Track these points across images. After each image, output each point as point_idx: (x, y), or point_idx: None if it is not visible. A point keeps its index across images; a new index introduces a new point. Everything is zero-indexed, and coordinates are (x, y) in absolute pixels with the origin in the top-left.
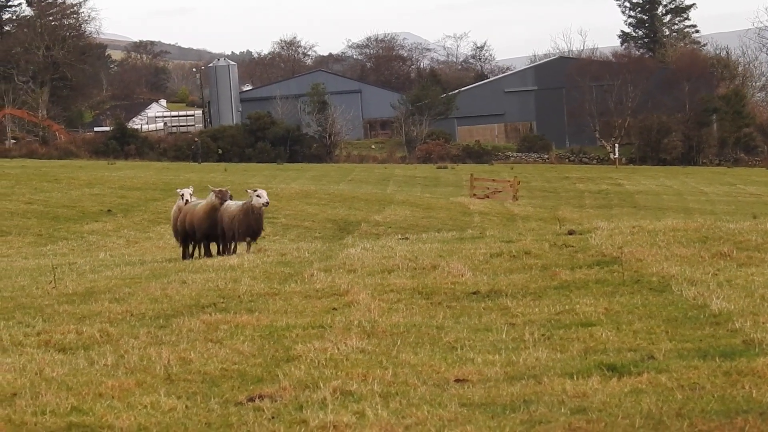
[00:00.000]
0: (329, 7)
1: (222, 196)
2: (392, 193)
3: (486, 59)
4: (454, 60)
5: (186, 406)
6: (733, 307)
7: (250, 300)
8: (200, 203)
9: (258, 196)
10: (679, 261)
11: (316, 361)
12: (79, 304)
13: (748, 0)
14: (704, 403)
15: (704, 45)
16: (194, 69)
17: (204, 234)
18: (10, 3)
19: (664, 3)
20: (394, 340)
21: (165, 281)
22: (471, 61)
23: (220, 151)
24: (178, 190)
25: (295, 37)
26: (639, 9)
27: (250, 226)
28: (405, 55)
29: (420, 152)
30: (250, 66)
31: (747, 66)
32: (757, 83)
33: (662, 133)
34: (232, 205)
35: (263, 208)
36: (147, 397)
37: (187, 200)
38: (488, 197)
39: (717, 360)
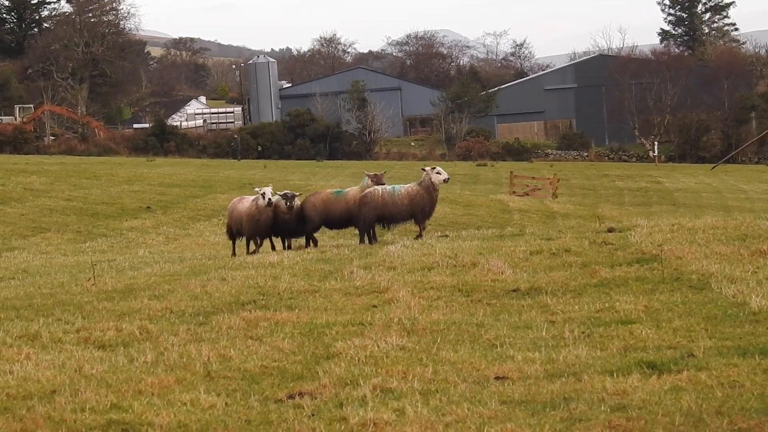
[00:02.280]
0: (369, 5)
1: (377, 180)
2: None
3: (525, 57)
4: (494, 57)
5: (226, 404)
6: None
7: (290, 297)
8: (347, 191)
9: (438, 173)
10: (719, 259)
11: (356, 358)
12: (119, 301)
13: None
14: (744, 401)
15: (743, 43)
16: (234, 66)
17: (372, 221)
18: (47, 1)
19: (704, 1)
20: (434, 338)
21: (205, 278)
22: (510, 58)
23: (259, 148)
24: (258, 189)
25: (335, 35)
26: (678, 7)
27: (433, 204)
28: (445, 52)
29: (459, 149)
30: (290, 63)
31: None
32: None
33: (701, 131)
34: (405, 187)
35: (433, 184)
36: (186, 395)
37: (269, 200)
38: (528, 195)
39: (756, 358)
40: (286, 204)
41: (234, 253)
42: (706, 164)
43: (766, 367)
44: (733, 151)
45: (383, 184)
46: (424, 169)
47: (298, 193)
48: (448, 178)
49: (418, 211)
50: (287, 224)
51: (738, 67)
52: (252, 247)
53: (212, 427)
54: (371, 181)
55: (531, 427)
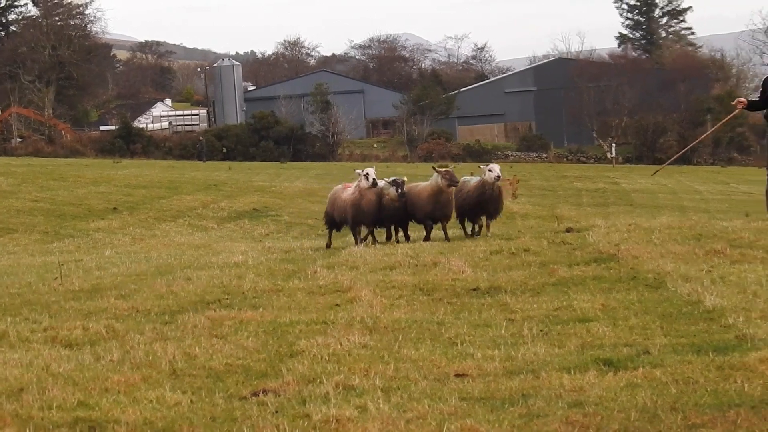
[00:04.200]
0: (332, 9)
1: (448, 179)
2: None
3: (486, 60)
4: (455, 61)
5: (191, 401)
6: (726, 303)
7: (254, 296)
8: (420, 185)
9: (489, 170)
10: (674, 258)
11: (319, 356)
12: (86, 301)
13: (743, 2)
14: (698, 397)
15: (700, 47)
16: (199, 69)
17: (428, 216)
18: (16, 3)
19: (661, 5)
20: (395, 336)
21: (170, 278)
22: (471, 62)
23: (224, 150)
24: (359, 171)
25: (298, 38)
26: (636, 11)
27: (487, 202)
28: (407, 55)
29: (421, 151)
30: (255, 66)
31: (741, 68)
32: (750, 84)
33: (658, 132)
34: (470, 181)
35: (498, 181)
36: (152, 392)
37: (374, 179)
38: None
39: (710, 355)
40: (396, 191)
41: (329, 245)
42: (660, 166)
43: (719, 364)
44: (674, 155)
45: (456, 182)
46: (480, 167)
47: (406, 179)
48: (500, 176)
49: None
50: (396, 213)
51: (694, 70)
52: (358, 236)
53: (177, 424)
54: (442, 179)
55: (490, 422)
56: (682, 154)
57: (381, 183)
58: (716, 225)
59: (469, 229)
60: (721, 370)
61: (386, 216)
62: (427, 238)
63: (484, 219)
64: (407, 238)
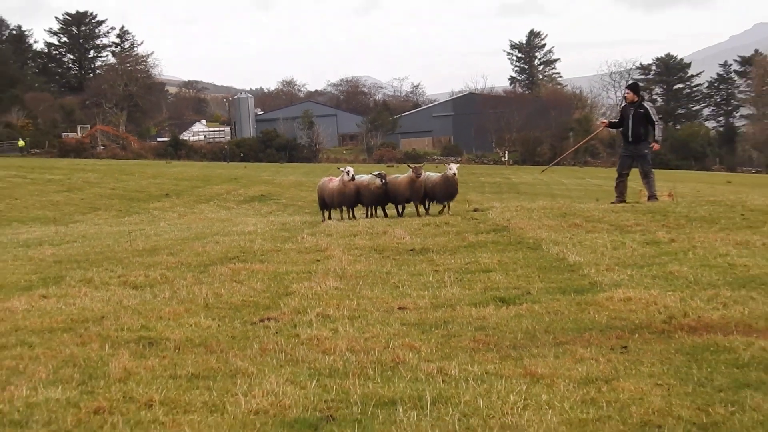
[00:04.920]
0: (316, 58)
1: (417, 172)
2: None
3: (420, 93)
4: (399, 94)
5: (218, 325)
6: (582, 259)
7: (261, 254)
8: (399, 177)
9: (453, 166)
10: (547, 229)
11: (305, 295)
12: (146, 257)
13: (596, 55)
14: (563, 323)
15: (565, 85)
16: (224, 99)
17: (405, 199)
18: (100, 55)
19: (539, 57)
20: (357, 281)
21: (204, 241)
22: (410, 95)
23: (241, 155)
24: (342, 168)
25: (292, 78)
26: (522, 61)
27: (450, 189)
28: (366, 90)
29: (376, 156)
30: (262, 97)
31: (593, 100)
32: (600, 111)
33: (536, 144)
34: (433, 176)
35: (455, 176)
36: (192, 319)
37: (353, 176)
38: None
39: (572, 295)
40: (381, 181)
41: (324, 220)
42: (539, 166)
43: (578, 301)
44: (554, 160)
45: (420, 175)
46: (446, 164)
47: (385, 174)
48: (455, 173)
49: (436, 193)
50: (378, 197)
51: (561, 101)
52: (336, 215)
53: (209, 340)
54: (413, 172)
55: (422, 340)
56: (562, 159)
57: (365, 177)
58: (576, 206)
59: (435, 210)
60: (579, 305)
61: (370, 199)
62: (399, 214)
63: (447, 202)
64: (385, 214)
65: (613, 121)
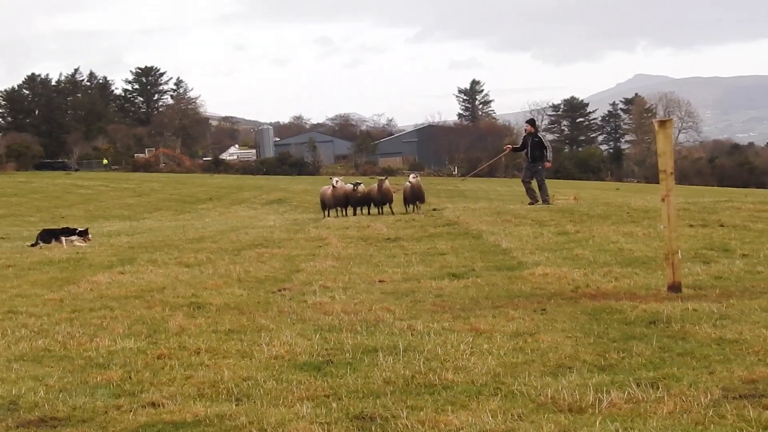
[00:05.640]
0: (318, 99)
1: (380, 181)
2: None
3: (393, 125)
4: (378, 125)
5: (248, 294)
6: (512, 245)
7: (279, 241)
8: (372, 187)
9: (411, 177)
10: (487, 223)
11: (311, 272)
12: (195, 243)
13: (521, 96)
14: (498, 292)
15: (498, 119)
16: (252, 130)
17: (378, 202)
18: (162, 98)
19: (479, 99)
20: (349, 262)
21: (238, 233)
22: (386, 126)
23: (264, 170)
24: (332, 178)
25: (301, 114)
26: (466, 101)
27: (415, 194)
28: (354, 123)
29: (361, 170)
30: (279, 128)
31: (519, 129)
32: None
33: (477, 162)
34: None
35: (419, 183)
36: (228, 289)
37: (336, 184)
38: (395, 191)
39: (505, 271)
40: (354, 188)
41: (324, 217)
42: (482, 178)
43: (510, 276)
44: (471, 173)
45: (383, 184)
46: (378, 178)
47: (361, 183)
48: (411, 183)
49: (406, 196)
50: (357, 200)
51: (495, 131)
52: (333, 214)
53: (240, 305)
54: (380, 182)
55: (396, 305)
56: (477, 172)
57: (347, 185)
58: (507, 207)
59: (409, 209)
60: (510, 279)
61: (354, 202)
62: (380, 213)
63: (416, 203)
64: (369, 212)
65: (516, 146)
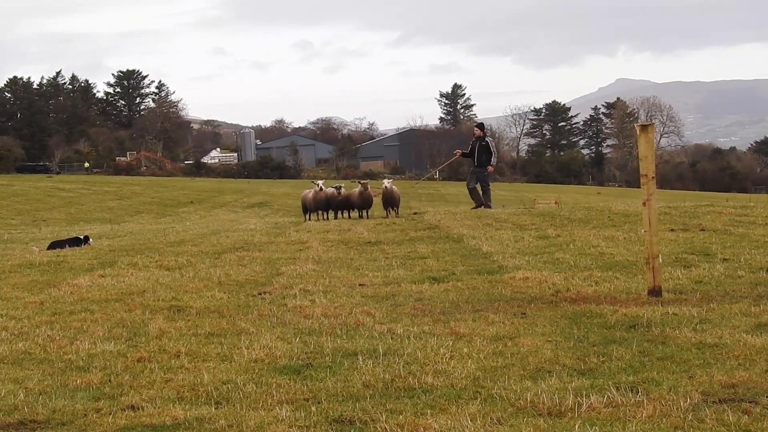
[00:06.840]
0: (299, 103)
1: (364, 186)
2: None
3: (374, 129)
4: (360, 129)
5: (228, 297)
6: (493, 249)
7: (260, 245)
8: (353, 191)
9: (386, 182)
10: (467, 227)
11: (292, 275)
12: (176, 247)
13: (502, 100)
14: (479, 296)
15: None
16: (233, 133)
17: (358, 206)
18: (143, 101)
19: (460, 103)
20: (329, 265)
21: (218, 236)
22: (367, 130)
23: (245, 173)
24: (314, 182)
25: (282, 118)
26: (448, 105)
27: (388, 200)
28: (335, 127)
29: (342, 174)
30: (261, 132)
31: (501, 133)
32: (505, 141)
33: (459, 166)
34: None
35: (392, 188)
36: (209, 292)
37: (321, 188)
38: (375, 196)
39: (485, 275)
40: (337, 192)
41: (305, 220)
42: (462, 181)
43: (490, 280)
44: (430, 171)
45: (366, 189)
46: (360, 182)
47: (342, 186)
48: (388, 187)
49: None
50: (337, 204)
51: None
52: (315, 217)
53: (221, 308)
54: (362, 186)
55: (376, 308)
56: (430, 176)
57: (329, 189)
58: (487, 211)
59: (390, 214)
60: (491, 283)
61: (336, 205)
62: (360, 217)
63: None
64: (350, 216)
65: (465, 151)
